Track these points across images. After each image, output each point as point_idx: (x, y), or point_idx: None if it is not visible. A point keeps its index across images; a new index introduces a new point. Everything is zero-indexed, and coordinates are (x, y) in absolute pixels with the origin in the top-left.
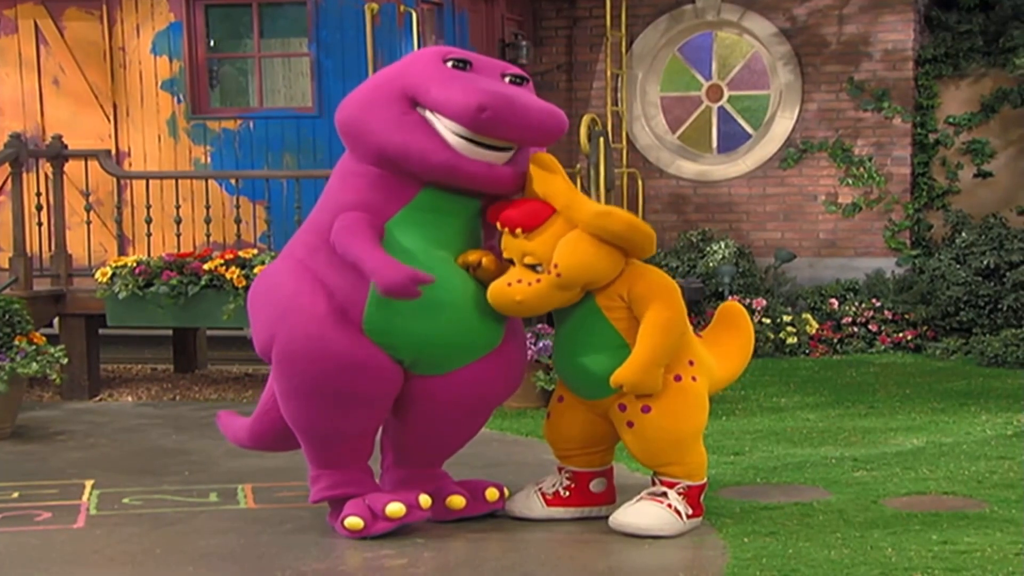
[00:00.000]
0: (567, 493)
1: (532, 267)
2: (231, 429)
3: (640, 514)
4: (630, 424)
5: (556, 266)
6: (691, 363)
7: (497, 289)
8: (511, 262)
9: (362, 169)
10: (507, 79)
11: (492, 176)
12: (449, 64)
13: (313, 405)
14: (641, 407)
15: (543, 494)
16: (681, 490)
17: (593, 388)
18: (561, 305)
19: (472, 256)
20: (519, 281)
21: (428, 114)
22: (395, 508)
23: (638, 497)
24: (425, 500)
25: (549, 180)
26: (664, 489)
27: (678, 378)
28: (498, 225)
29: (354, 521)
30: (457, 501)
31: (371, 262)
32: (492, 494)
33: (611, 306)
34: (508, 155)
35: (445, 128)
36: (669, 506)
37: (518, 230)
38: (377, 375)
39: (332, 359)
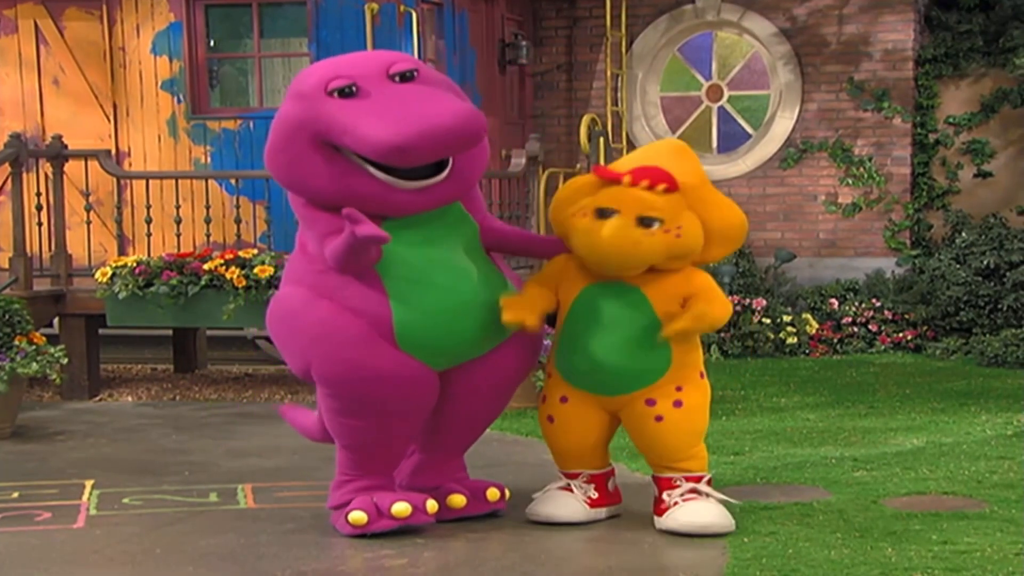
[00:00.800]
0: (596, 495)
1: (647, 221)
2: (299, 422)
3: (699, 512)
4: (659, 418)
5: (679, 227)
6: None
7: (619, 230)
8: (603, 213)
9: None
10: (396, 79)
11: (433, 199)
12: (335, 96)
13: (358, 421)
14: (673, 402)
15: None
16: (708, 481)
17: (622, 384)
18: (645, 267)
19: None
20: (635, 228)
21: (343, 152)
22: (401, 508)
23: (673, 502)
24: (432, 505)
25: (687, 160)
26: (692, 485)
27: (703, 375)
28: (625, 179)
29: (358, 515)
30: (458, 500)
31: (341, 240)
32: (493, 494)
33: (669, 311)
34: (444, 173)
35: (374, 168)
36: (715, 501)
37: (661, 186)
38: (417, 386)
39: (372, 379)
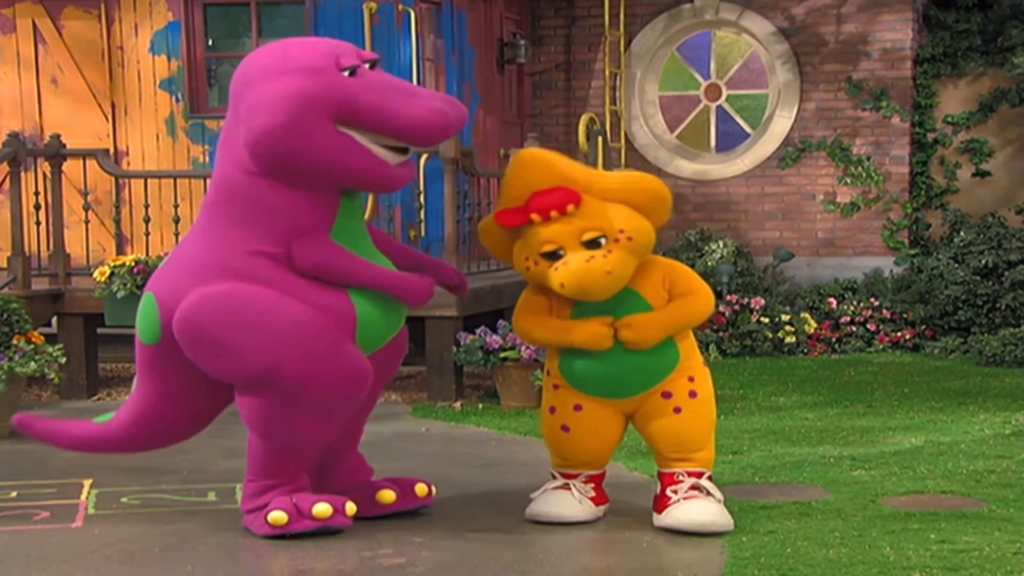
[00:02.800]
0: (594, 494)
1: (593, 242)
2: (51, 432)
3: (700, 511)
4: (677, 410)
5: (623, 231)
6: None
7: (581, 269)
8: (551, 256)
9: (295, 192)
10: (367, 65)
11: (408, 175)
12: (346, 74)
13: (313, 421)
14: (688, 392)
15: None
16: (709, 477)
17: (637, 383)
18: (626, 283)
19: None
20: (592, 258)
21: (355, 132)
22: (322, 508)
23: (676, 500)
24: (351, 508)
25: (557, 165)
26: (694, 481)
27: (706, 363)
28: (534, 218)
29: (278, 516)
30: (387, 495)
31: (389, 279)
32: (421, 489)
33: (661, 301)
34: (411, 152)
35: (371, 142)
36: (716, 499)
37: (570, 207)
38: (367, 382)
39: (347, 374)
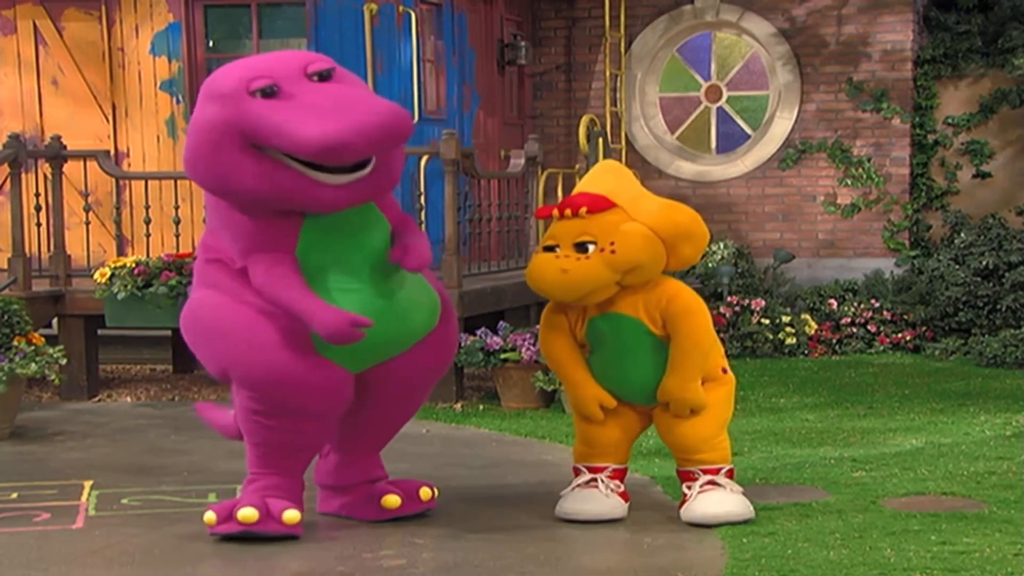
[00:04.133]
0: (621, 489)
1: (581, 246)
2: (217, 421)
3: (715, 503)
4: (693, 411)
5: (612, 243)
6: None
7: (538, 261)
8: (549, 249)
9: (242, 215)
10: (315, 78)
11: (356, 195)
12: (258, 96)
13: (273, 422)
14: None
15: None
16: (726, 473)
17: (652, 396)
18: (598, 290)
19: None
20: (567, 256)
21: (271, 152)
22: (292, 515)
23: (691, 495)
24: (293, 516)
25: (621, 176)
26: (709, 477)
27: (725, 371)
28: (554, 213)
29: (248, 512)
30: (392, 500)
31: (308, 311)
32: (425, 493)
33: (656, 324)
34: (368, 169)
35: (301, 165)
36: (732, 490)
37: (582, 209)
38: (333, 390)
39: (290, 383)
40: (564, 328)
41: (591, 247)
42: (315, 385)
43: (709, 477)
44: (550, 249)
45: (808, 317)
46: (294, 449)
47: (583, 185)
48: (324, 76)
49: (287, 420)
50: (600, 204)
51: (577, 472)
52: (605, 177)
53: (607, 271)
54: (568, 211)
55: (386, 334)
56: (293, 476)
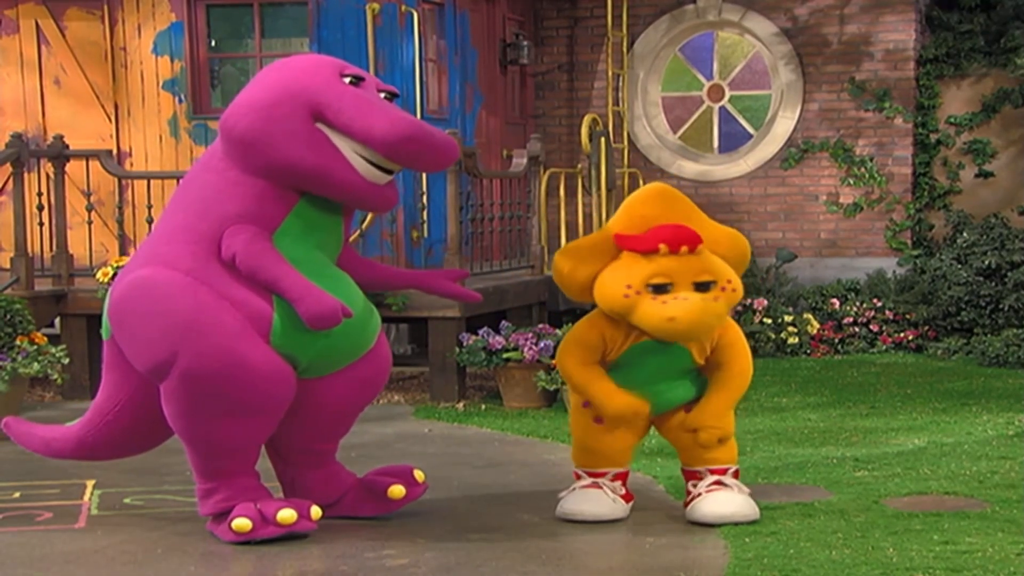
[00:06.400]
0: (623, 491)
1: (704, 285)
2: (28, 437)
3: (722, 503)
4: (721, 441)
5: (730, 281)
6: None
7: (702, 307)
8: (660, 289)
9: (245, 179)
10: (383, 95)
11: (382, 196)
12: (347, 80)
13: (219, 420)
14: None
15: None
16: (733, 473)
17: (668, 408)
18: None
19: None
20: (715, 299)
21: (332, 133)
22: (286, 514)
23: (697, 493)
24: (316, 512)
25: (686, 203)
26: (716, 477)
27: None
28: (661, 248)
29: (242, 523)
30: (397, 491)
31: (295, 290)
32: (419, 475)
33: (702, 354)
34: (392, 176)
35: (351, 150)
36: (739, 491)
37: (683, 249)
38: (284, 385)
39: (247, 374)
40: (596, 348)
41: (712, 286)
42: (262, 376)
43: (716, 477)
44: (661, 289)
45: (810, 317)
46: (243, 448)
47: (641, 213)
48: (389, 97)
49: (228, 417)
50: (698, 239)
51: (578, 476)
52: (674, 207)
53: (728, 310)
54: (685, 248)
55: (348, 337)
56: (246, 473)
